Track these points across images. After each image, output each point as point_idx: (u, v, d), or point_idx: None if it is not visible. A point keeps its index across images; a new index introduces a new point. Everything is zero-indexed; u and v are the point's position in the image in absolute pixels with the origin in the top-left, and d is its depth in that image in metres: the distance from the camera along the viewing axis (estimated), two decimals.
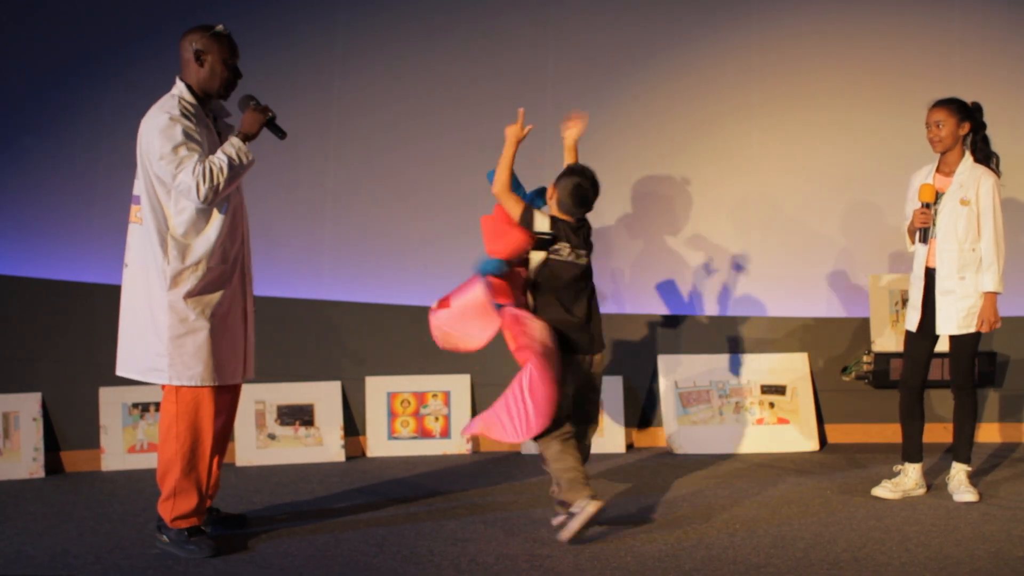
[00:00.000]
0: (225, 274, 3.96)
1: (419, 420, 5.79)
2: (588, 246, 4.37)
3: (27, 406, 5.39)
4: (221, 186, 3.81)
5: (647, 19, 6.12)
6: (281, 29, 6.00)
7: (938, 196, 4.59)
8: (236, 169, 3.85)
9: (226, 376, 3.99)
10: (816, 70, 6.06)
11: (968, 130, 4.59)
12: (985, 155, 4.60)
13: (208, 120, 4.00)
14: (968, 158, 4.59)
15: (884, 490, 4.66)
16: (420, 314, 5.88)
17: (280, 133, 4.07)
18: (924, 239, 4.60)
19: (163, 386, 3.96)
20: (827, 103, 6.05)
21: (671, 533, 4.16)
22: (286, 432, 5.62)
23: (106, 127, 5.82)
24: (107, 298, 5.66)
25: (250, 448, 5.58)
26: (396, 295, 5.97)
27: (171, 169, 3.79)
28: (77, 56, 5.87)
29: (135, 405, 5.52)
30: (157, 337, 3.90)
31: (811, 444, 5.72)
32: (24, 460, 5.33)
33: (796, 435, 5.74)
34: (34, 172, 5.82)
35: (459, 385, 5.82)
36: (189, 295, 3.88)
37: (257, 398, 5.61)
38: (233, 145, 3.89)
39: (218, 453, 4.13)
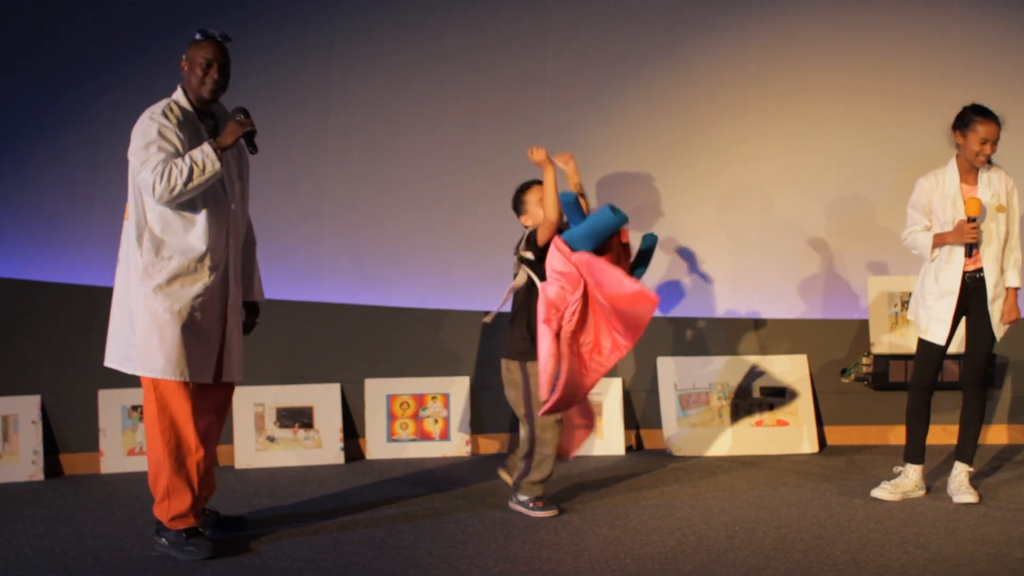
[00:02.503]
0: (200, 271, 3.97)
1: (418, 422, 5.79)
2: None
3: (26, 409, 5.39)
4: (177, 188, 3.83)
5: (646, 19, 6.12)
6: (280, 31, 6.01)
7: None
8: (196, 175, 3.85)
9: (194, 374, 3.96)
10: (815, 71, 6.06)
11: None
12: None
13: (202, 127, 4.05)
14: (986, 167, 4.61)
15: (883, 492, 4.65)
16: (419, 316, 5.90)
17: (253, 148, 4.09)
18: (970, 253, 4.57)
19: (142, 382, 4.00)
20: (826, 104, 6.05)
21: (670, 535, 4.16)
22: (285, 434, 5.62)
23: (105, 131, 5.81)
24: (106, 301, 5.63)
25: (249, 451, 5.57)
26: (395, 297, 5.97)
27: (137, 165, 3.89)
28: (77, 61, 5.88)
29: (134, 408, 5.52)
30: (131, 327, 3.98)
31: (810, 446, 5.72)
32: (23, 463, 5.33)
33: (795, 437, 5.74)
34: (33, 175, 5.82)
35: (458, 387, 5.82)
36: (159, 288, 3.91)
37: (256, 400, 5.60)
38: (202, 151, 3.90)
39: (208, 453, 4.10)
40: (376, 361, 5.84)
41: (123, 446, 5.49)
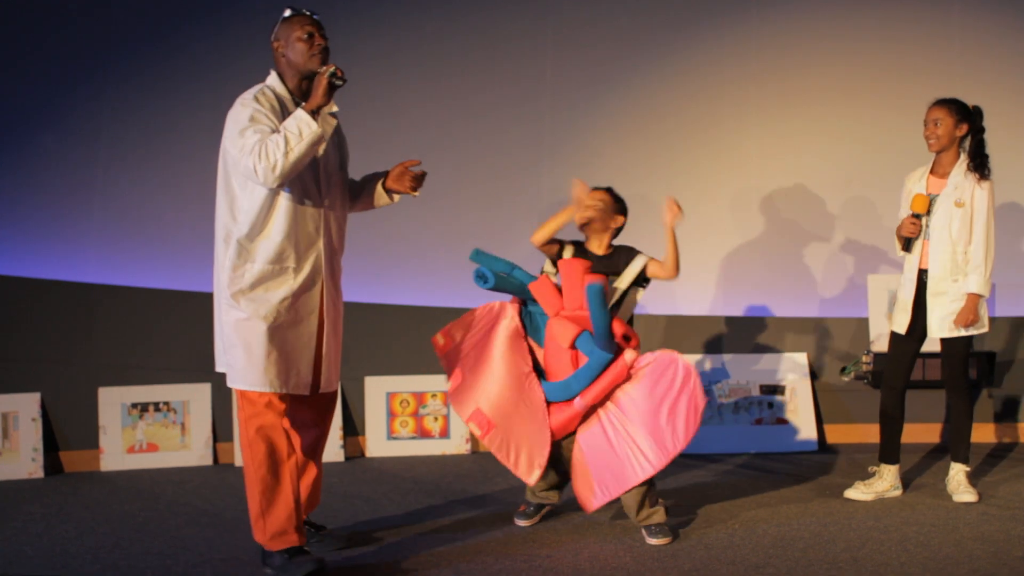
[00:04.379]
0: (285, 274, 3.67)
1: (418, 420, 5.79)
2: None
3: (26, 406, 5.39)
4: (279, 164, 3.48)
5: (645, 19, 6.12)
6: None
7: (932, 201, 4.56)
8: (293, 143, 3.49)
9: (281, 383, 3.67)
10: (815, 70, 6.07)
11: (965, 132, 4.56)
12: (979, 160, 4.56)
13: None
14: (963, 161, 4.57)
15: (857, 492, 4.64)
16: (419, 314, 5.90)
17: (341, 81, 3.63)
18: (908, 247, 4.59)
19: (234, 391, 3.77)
20: (826, 103, 6.06)
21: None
22: None
23: (106, 129, 5.82)
24: (106, 298, 5.68)
25: None
26: (395, 295, 5.97)
27: (236, 153, 3.54)
28: (77, 59, 5.87)
29: (134, 405, 5.53)
30: (220, 337, 3.74)
31: (810, 445, 5.72)
32: (23, 460, 5.33)
33: (795, 436, 5.74)
34: (34, 173, 5.82)
35: None
36: (241, 293, 3.63)
37: None
38: (294, 117, 3.54)
39: (313, 466, 3.95)
40: (376, 359, 5.84)
41: (123, 443, 5.50)
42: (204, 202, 5.86)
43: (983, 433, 5.78)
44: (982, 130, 4.58)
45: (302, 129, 3.51)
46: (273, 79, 3.76)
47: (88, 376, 5.52)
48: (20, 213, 5.79)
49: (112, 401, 5.51)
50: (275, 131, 3.54)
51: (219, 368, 3.80)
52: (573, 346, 4.04)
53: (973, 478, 4.76)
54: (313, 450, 3.96)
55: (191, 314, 5.71)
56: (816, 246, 6.03)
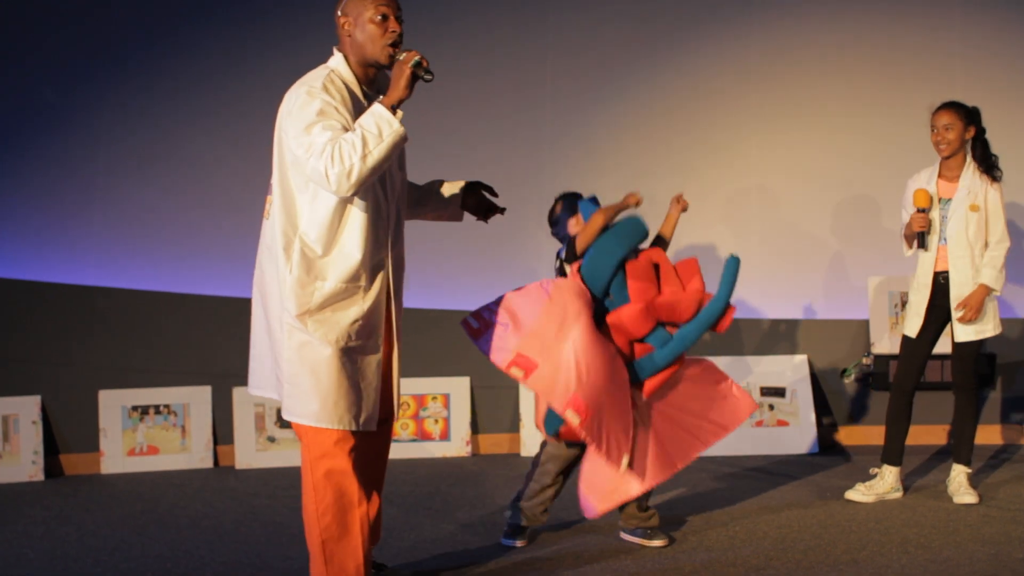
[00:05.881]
0: (356, 292, 3.19)
1: (419, 423, 5.79)
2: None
3: (27, 409, 5.39)
4: (355, 169, 2.96)
5: (646, 20, 6.13)
6: (277, 33, 6.00)
7: (941, 200, 4.56)
8: (372, 144, 2.98)
9: (353, 420, 3.19)
10: (815, 72, 6.07)
11: (973, 134, 4.57)
12: (987, 159, 4.57)
13: (368, 105, 3.19)
14: (971, 163, 4.57)
15: (857, 493, 4.64)
16: (419, 317, 5.89)
17: (429, 75, 3.17)
18: (923, 244, 4.57)
19: (293, 426, 3.28)
20: (826, 105, 6.06)
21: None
22: (286, 435, 5.62)
23: (106, 131, 5.82)
24: (106, 300, 5.68)
25: (250, 451, 5.57)
26: None
27: (301, 153, 3.02)
28: (77, 60, 5.87)
29: (135, 408, 5.53)
30: (276, 361, 3.23)
31: (810, 446, 5.72)
32: (24, 463, 5.33)
33: (795, 437, 5.74)
34: (34, 175, 5.82)
35: (459, 388, 5.82)
36: (308, 314, 3.13)
37: (256, 401, 5.60)
38: (372, 114, 3.03)
39: (376, 498, 3.58)
40: None
41: (123, 446, 5.50)
42: (205, 205, 5.89)
43: (983, 435, 5.77)
44: (984, 130, 4.59)
45: (382, 128, 3.01)
46: (338, 61, 3.25)
47: (88, 379, 5.52)
48: (21, 215, 5.79)
49: (112, 404, 5.51)
50: (346, 128, 3.05)
51: (262, 389, 3.35)
52: (642, 339, 3.87)
53: (973, 480, 4.76)
54: (377, 481, 3.57)
55: (192, 317, 5.72)
56: (816, 247, 6.03)
